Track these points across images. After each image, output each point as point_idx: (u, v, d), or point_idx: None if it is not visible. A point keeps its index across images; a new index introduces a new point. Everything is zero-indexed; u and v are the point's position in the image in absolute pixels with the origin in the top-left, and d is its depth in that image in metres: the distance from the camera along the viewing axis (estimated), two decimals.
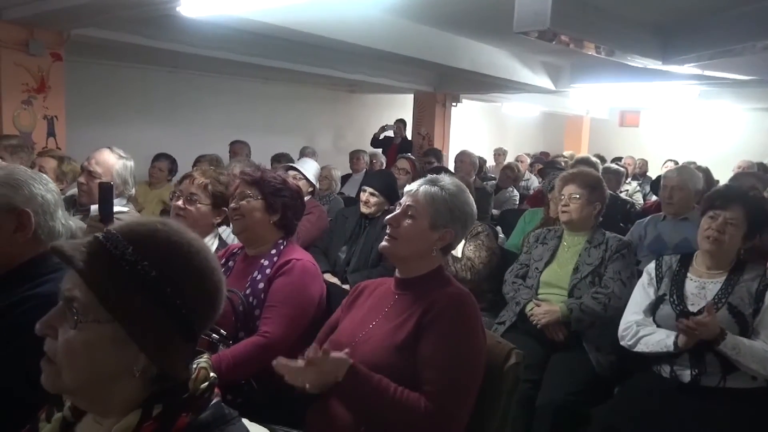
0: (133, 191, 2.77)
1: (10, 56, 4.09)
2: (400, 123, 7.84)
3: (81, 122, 5.10)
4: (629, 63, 4.63)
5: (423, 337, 1.53)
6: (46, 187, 1.50)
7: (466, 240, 2.96)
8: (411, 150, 7.35)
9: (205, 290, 0.91)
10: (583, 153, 9.73)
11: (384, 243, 1.68)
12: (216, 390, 0.93)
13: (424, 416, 1.42)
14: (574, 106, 10.32)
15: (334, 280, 3.09)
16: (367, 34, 4.58)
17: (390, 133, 7.81)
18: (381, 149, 7.66)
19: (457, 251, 2.94)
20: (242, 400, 1.83)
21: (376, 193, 3.34)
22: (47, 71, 4.27)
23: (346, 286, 2.87)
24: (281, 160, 5.46)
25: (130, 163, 2.71)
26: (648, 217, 3.47)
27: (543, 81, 6.92)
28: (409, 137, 8.42)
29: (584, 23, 3.83)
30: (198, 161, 4.68)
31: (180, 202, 2.34)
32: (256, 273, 2.01)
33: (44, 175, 1.57)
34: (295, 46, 4.88)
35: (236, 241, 3.00)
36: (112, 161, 2.64)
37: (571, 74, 7.00)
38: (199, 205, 2.33)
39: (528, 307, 2.54)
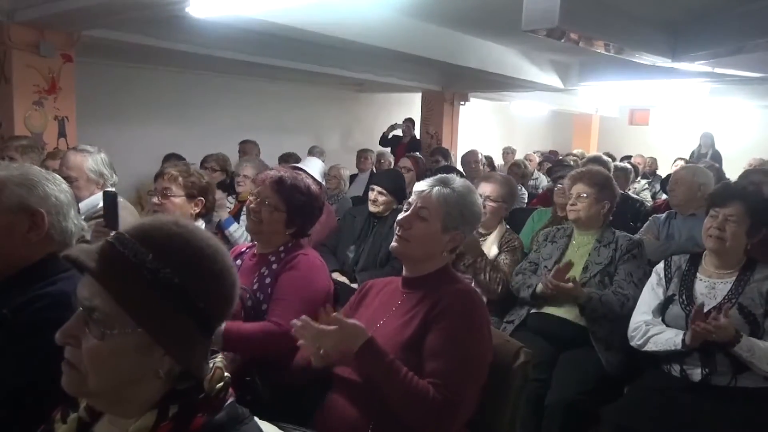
0: (115, 179, 2.77)
1: (22, 58, 4.12)
2: (409, 122, 7.83)
3: (91, 123, 5.13)
4: (638, 60, 4.61)
5: (429, 331, 1.54)
6: (59, 188, 1.51)
7: (501, 249, 2.91)
8: (420, 149, 7.33)
9: (223, 290, 0.92)
10: (593, 151, 9.69)
11: (394, 243, 1.68)
12: (230, 390, 0.94)
13: (431, 403, 1.43)
14: (582, 104, 10.27)
15: (343, 279, 3.10)
16: (374, 33, 4.57)
17: (399, 132, 7.80)
18: (389, 148, 7.66)
19: (490, 255, 2.87)
20: (251, 397, 1.84)
21: (385, 191, 3.34)
22: (58, 72, 4.31)
23: (355, 285, 2.88)
24: (289, 159, 5.47)
25: (101, 156, 2.71)
26: (664, 214, 3.49)
27: (551, 79, 6.89)
28: (418, 136, 8.42)
29: (593, 21, 3.81)
30: (205, 161, 4.71)
31: (155, 199, 2.44)
32: (263, 269, 2.04)
33: (57, 176, 1.58)
34: (303, 45, 4.89)
35: (242, 241, 3.04)
36: (80, 160, 2.65)
37: (579, 72, 6.97)
38: (172, 198, 2.43)
39: (539, 288, 2.51)
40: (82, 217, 2.13)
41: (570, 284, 2.39)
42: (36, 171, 1.54)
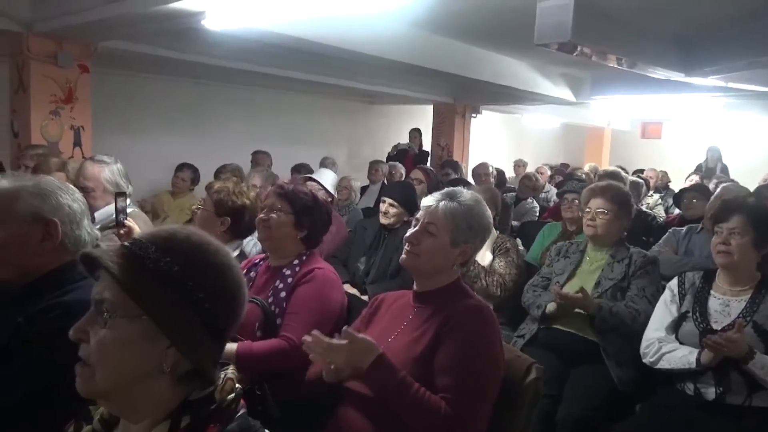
0: (131, 189, 2.80)
1: (39, 68, 4.19)
2: (416, 132, 7.74)
3: (106, 132, 5.19)
4: (651, 75, 4.60)
5: (441, 346, 1.53)
6: (72, 197, 1.54)
7: (495, 254, 2.93)
8: (427, 159, 7.29)
9: (225, 285, 0.94)
10: (605, 165, 9.65)
11: (404, 256, 1.68)
12: (241, 401, 0.95)
13: (444, 419, 1.42)
14: (594, 117, 10.24)
15: (354, 291, 3.10)
16: (387, 46, 4.60)
17: (404, 147, 7.70)
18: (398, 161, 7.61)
19: (484, 261, 2.91)
20: (262, 408, 1.83)
21: (396, 203, 3.34)
22: (75, 83, 4.37)
23: (365, 297, 2.88)
24: (301, 170, 5.49)
25: (117, 166, 2.74)
26: (685, 228, 3.45)
27: (563, 93, 6.89)
28: (428, 148, 8.42)
29: (605, 35, 3.81)
30: (220, 171, 4.74)
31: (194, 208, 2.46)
32: (278, 282, 2.04)
33: (71, 185, 1.61)
34: (316, 57, 4.92)
35: (254, 253, 3.04)
36: (97, 171, 2.68)
37: (592, 86, 6.96)
38: (201, 210, 2.44)
39: (549, 308, 2.50)
40: (97, 226, 2.16)
41: (579, 294, 2.38)
42: (49, 181, 1.56)
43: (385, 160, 7.48)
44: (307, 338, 1.51)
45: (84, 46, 4.34)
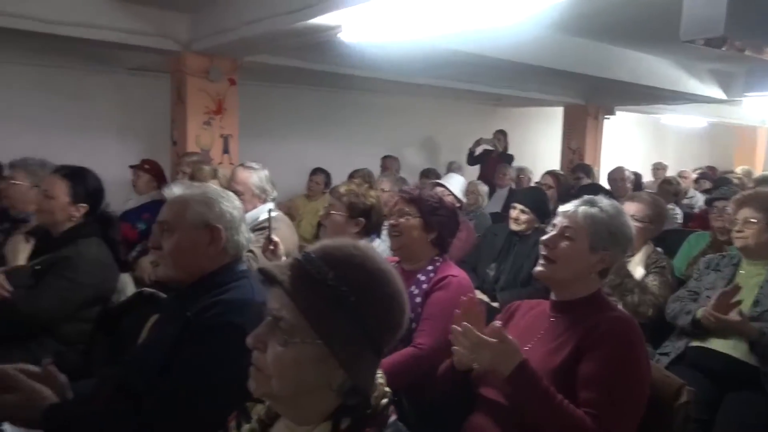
0: (275, 194, 2.99)
1: (195, 83, 4.63)
2: (500, 134, 7.37)
3: (250, 139, 5.55)
4: None
5: (584, 358, 1.48)
6: (232, 205, 1.68)
7: (648, 270, 2.77)
8: (512, 161, 6.97)
9: (393, 312, 0.97)
10: (759, 169, 8.75)
11: (539, 268, 1.66)
12: (392, 407, 0.99)
13: None
14: (747, 115, 9.30)
15: (484, 297, 3.08)
16: (523, 50, 4.54)
17: (489, 146, 7.36)
18: (479, 165, 7.33)
19: (636, 275, 2.74)
20: (397, 416, 1.88)
21: (527, 209, 3.28)
22: (224, 95, 4.77)
23: (495, 304, 2.86)
24: (430, 175, 5.55)
25: (264, 172, 2.93)
26: None
27: (712, 90, 6.35)
28: (559, 151, 8.14)
29: (763, 26, 3.46)
30: (352, 176, 4.93)
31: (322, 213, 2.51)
32: (413, 287, 2.08)
33: (231, 193, 1.75)
34: (446, 63, 4.96)
35: (385, 254, 3.12)
36: (247, 176, 2.89)
37: (745, 82, 6.34)
38: (334, 215, 2.48)
39: (699, 313, 2.31)
40: None
41: (737, 317, 2.18)
42: (213, 190, 1.72)
43: (466, 158, 7.27)
44: (457, 328, 1.48)
45: (232, 61, 4.73)
